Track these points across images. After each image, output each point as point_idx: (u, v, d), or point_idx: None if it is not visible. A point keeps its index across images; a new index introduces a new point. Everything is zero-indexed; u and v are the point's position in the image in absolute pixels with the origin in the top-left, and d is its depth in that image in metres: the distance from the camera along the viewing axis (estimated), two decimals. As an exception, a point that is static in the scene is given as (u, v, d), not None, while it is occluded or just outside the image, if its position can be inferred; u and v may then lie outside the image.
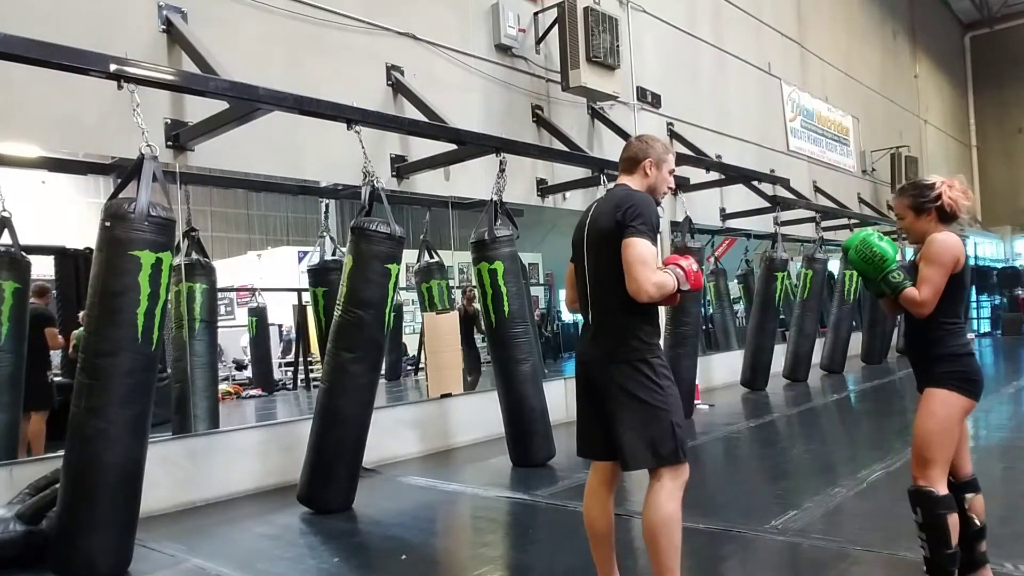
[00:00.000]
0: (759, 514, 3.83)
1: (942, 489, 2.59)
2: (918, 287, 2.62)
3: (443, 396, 6.34)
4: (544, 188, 7.20)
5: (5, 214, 4.79)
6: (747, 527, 3.62)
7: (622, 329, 2.51)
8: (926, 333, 2.69)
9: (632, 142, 2.75)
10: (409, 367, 10.66)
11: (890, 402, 8.35)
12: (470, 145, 5.43)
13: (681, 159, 7.13)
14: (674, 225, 8.17)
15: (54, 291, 6.18)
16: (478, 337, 8.75)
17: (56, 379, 5.68)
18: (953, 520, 2.59)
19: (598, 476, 2.67)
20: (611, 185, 2.75)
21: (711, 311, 11.34)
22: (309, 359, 10.35)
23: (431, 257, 7.44)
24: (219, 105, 4.33)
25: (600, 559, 2.67)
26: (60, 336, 5.53)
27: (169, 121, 4.63)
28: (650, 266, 2.41)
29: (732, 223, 10.13)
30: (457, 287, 8.68)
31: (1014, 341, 15.53)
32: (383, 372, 5.26)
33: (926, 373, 2.70)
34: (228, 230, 12.98)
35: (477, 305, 8.61)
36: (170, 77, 3.94)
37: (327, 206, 7.04)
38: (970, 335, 15.72)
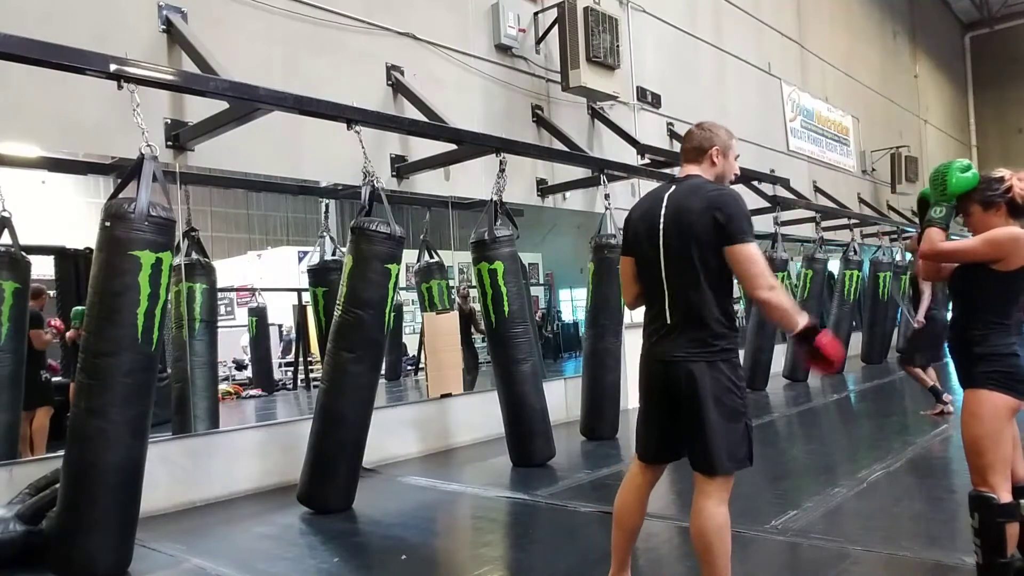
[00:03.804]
0: (759, 514, 3.83)
1: (1004, 496, 2.50)
2: (956, 242, 2.54)
3: (443, 396, 6.33)
4: (544, 188, 7.19)
5: (5, 214, 4.79)
6: (747, 527, 3.61)
7: (707, 329, 2.47)
8: (970, 330, 2.60)
9: (694, 131, 2.67)
10: (409, 367, 10.67)
11: (890, 402, 8.34)
12: (470, 145, 5.42)
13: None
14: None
15: (51, 292, 6.18)
16: (477, 337, 8.76)
17: (55, 379, 5.70)
18: (1012, 529, 2.51)
19: (648, 476, 2.65)
20: (678, 172, 2.69)
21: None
22: (309, 359, 10.35)
23: (431, 257, 7.44)
24: (219, 105, 4.33)
25: (620, 552, 2.68)
26: (45, 335, 5.50)
27: (169, 121, 4.62)
28: (762, 263, 2.47)
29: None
30: (455, 287, 8.68)
31: None
32: (383, 372, 5.26)
33: (967, 373, 2.63)
34: (228, 230, 13.01)
35: (473, 304, 8.63)
36: (170, 77, 3.94)
37: (327, 206, 7.05)
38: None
